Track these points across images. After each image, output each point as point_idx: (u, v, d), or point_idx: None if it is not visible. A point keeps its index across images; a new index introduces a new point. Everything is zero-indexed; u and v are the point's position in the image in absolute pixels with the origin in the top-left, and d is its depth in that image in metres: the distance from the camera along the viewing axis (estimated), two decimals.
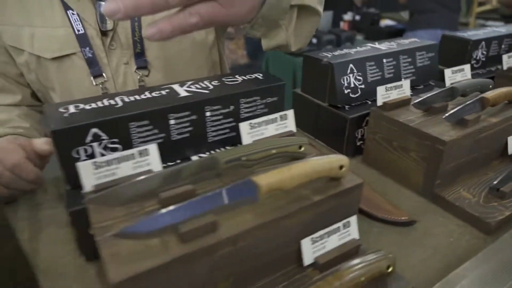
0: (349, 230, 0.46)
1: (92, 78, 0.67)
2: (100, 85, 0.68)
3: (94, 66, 0.67)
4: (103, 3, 0.63)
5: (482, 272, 0.44)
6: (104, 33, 0.66)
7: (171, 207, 0.35)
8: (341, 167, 0.43)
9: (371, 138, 0.66)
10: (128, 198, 0.39)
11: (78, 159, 0.45)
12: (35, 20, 0.64)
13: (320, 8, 0.57)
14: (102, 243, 0.34)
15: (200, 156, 0.53)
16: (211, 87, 0.54)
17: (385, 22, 3.18)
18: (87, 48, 0.65)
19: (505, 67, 0.85)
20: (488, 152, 0.64)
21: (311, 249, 0.43)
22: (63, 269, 0.46)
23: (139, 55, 0.69)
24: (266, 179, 0.38)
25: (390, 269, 0.41)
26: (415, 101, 0.62)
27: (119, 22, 0.66)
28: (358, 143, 0.71)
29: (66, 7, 0.64)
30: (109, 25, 0.65)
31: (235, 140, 0.56)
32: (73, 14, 0.64)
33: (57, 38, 0.65)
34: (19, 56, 0.66)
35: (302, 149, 0.47)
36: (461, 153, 0.58)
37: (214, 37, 0.76)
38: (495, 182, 0.57)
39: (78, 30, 0.64)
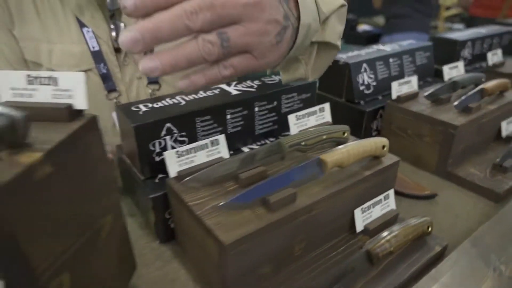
0: (388, 201, 0.54)
1: (106, 92, 0.69)
2: (114, 99, 0.70)
3: (108, 81, 0.69)
4: (122, 24, 0.66)
5: (499, 230, 0.53)
6: (117, 50, 0.68)
7: (259, 183, 0.42)
8: (383, 147, 0.51)
9: (387, 128, 0.75)
10: (213, 180, 0.45)
11: (153, 152, 0.51)
12: (53, 37, 0.66)
13: (339, 43, 0.54)
14: (204, 216, 0.40)
15: (250, 148, 0.60)
16: (256, 86, 0.61)
17: (363, 27, 3.35)
18: (102, 64, 0.67)
19: (490, 64, 0.97)
20: (487, 135, 0.74)
21: (361, 218, 0.51)
22: (142, 250, 0.51)
23: None
24: (330, 157, 0.45)
25: (430, 229, 0.50)
26: (425, 94, 0.72)
27: None
28: (374, 134, 0.79)
29: (81, 25, 0.66)
30: None
31: (276, 132, 0.63)
32: (88, 31, 0.66)
33: (74, 54, 0.67)
34: (37, 69, 0.69)
35: (346, 135, 0.55)
36: (468, 136, 0.68)
37: None
38: (497, 160, 0.67)
39: (93, 47, 0.66)
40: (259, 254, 0.41)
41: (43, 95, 0.34)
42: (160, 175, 0.52)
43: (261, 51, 0.34)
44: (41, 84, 0.34)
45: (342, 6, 0.47)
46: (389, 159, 0.52)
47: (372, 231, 0.51)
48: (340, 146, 0.47)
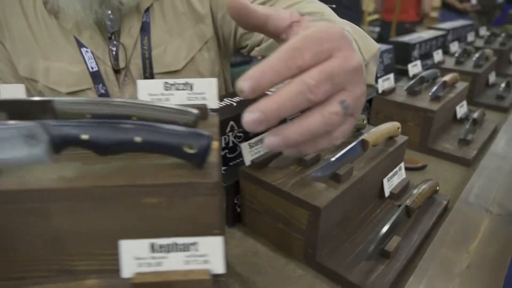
0: (401, 172, 0.68)
1: None
2: None
3: None
4: (115, 42, 0.66)
5: (479, 184, 0.70)
6: (117, 71, 0.68)
7: (328, 161, 0.53)
8: (398, 128, 0.65)
9: (375, 117, 0.91)
10: (289, 162, 0.55)
11: (220, 147, 0.58)
12: (49, 55, 0.66)
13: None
14: (291, 191, 0.50)
15: None
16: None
17: None
18: (100, 85, 0.67)
19: (435, 61, 1.19)
20: (449, 117, 0.94)
21: (387, 185, 0.64)
22: None
23: None
24: (370, 138, 0.58)
25: (438, 188, 0.65)
26: (405, 87, 0.89)
27: (131, 59, 0.68)
28: None
29: (80, 45, 0.66)
30: (122, 63, 0.68)
31: None
32: (87, 52, 0.66)
33: (73, 73, 0.66)
34: (33, 85, 0.69)
35: (364, 122, 0.68)
36: (440, 118, 0.86)
37: (220, 67, 0.80)
38: (461, 136, 0.86)
39: (92, 68, 0.66)
40: (333, 218, 0.52)
41: (178, 98, 0.41)
42: (224, 167, 0.60)
43: (360, 111, 0.33)
44: (177, 90, 0.41)
45: (378, 49, 0.51)
46: (401, 138, 0.67)
47: (395, 195, 0.64)
48: (373, 130, 0.60)
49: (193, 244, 0.32)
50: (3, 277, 0.32)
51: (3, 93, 0.40)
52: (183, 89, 0.41)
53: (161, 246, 0.32)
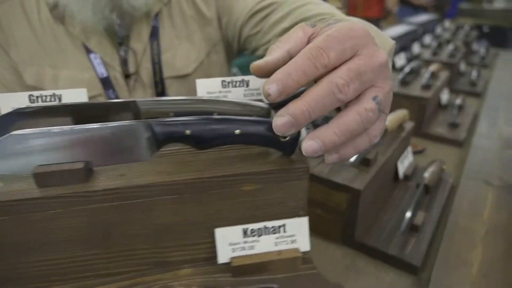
0: (409, 155, 0.75)
1: None
2: None
3: None
4: (124, 48, 0.65)
5: (475, 161, 0.78)
6: (127, 76, 0.67)
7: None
8: (406, 115, 0.71)
9: None
10: None
11: None
12: (57, 62, 0.64)
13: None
14: (329, 176, 0.54)
15: None
16: None
17: None
18: (111, 91, 0.67)
19: (414, 53, 1.28)
20: (436, 104, 1.02)
21: (401, 168, 0.70)
22: None
23: (160, 94, 0.71)
24: (388, 124, 0.63)
25: (444, 166, 0.72)
26: (400, 79, 0.96)
27: (141, 64, 0.67)
28: None
29: (88, 51, 0.65)
30: (132, 68, 0.67)
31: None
32: (95, 58, 0.65)
33: (82, 81, 0.65)
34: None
35: None
36: (431, 105, 0.94)
37: (226, 70, 0.82)
38: (450, 121, 0.95)
39: (102, 74, 0.65)
40: (367, 199, 0.56)
41: (235, 94, 0.43)
42: None
43: (389, 107, 0.32)
44: (234, 87, 0.43)
45: (393, 45, 0.52)
46: (408, 124, 0.73)
47: (408, 177, 0.70)
48: (388, 117, 0.66)
49: (282, 226, 0.35)
50: (102, 273, 0.33)
51: (65, 98, 0.40)
52: (240, 86, 0.43)
53: (252, 231, 0.34)
